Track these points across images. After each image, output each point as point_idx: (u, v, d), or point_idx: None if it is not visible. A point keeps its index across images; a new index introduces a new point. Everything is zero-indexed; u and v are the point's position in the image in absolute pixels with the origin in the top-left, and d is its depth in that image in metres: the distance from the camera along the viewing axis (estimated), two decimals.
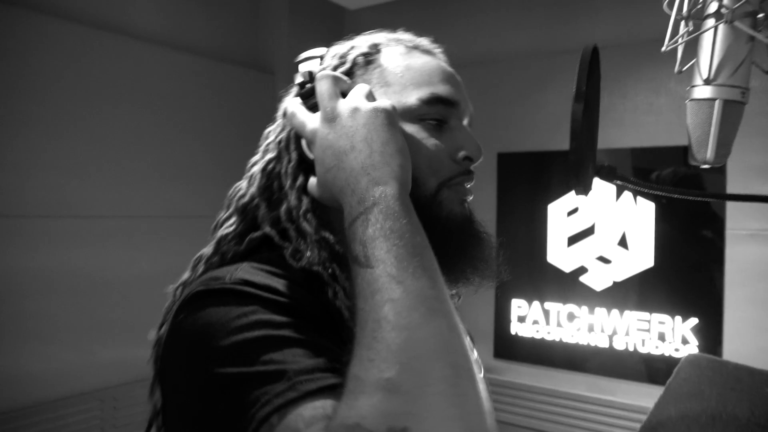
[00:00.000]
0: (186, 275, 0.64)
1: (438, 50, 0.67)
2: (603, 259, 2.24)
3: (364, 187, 0.49)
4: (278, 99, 0.66)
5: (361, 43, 0.64)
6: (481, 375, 0.44)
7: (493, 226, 2.45)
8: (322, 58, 0.61)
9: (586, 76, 0.59)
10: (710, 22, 0.62)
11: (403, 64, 0.61)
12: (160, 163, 2.16)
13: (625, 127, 2.20)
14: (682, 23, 0.66)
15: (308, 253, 0.56)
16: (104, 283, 1.95)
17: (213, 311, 0.49)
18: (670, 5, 0.65)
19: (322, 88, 0.56)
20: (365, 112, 0.53)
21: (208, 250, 0.63)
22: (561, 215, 2.33)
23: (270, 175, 0.62)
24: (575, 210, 2.29)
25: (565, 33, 2.34)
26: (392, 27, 0.68)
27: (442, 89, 0.61)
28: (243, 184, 0.65)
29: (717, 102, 0.61)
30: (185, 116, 2.25)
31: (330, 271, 0.55)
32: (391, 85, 0.60)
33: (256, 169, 0.63)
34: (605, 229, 2.24)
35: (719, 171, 2.02)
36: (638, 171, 2.23)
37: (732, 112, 0.61)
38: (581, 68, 0.59)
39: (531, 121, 2.37)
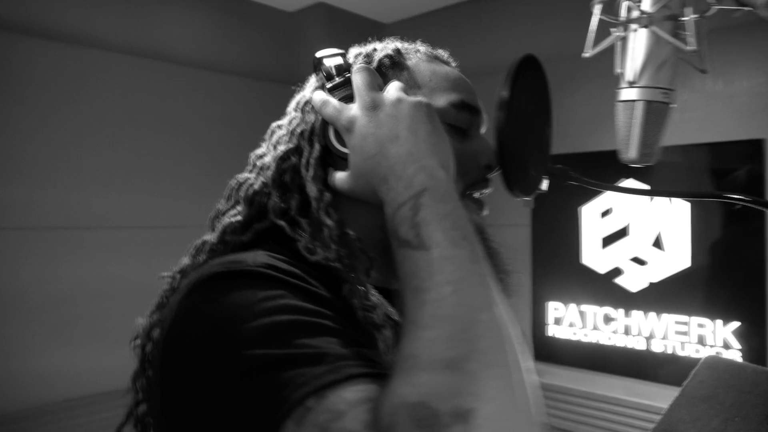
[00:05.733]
0: (186, 261, 0.61)
1: (453, 62, 0.67)
2: (638, 260, 2.19)
3: (412, 174, 0.48)
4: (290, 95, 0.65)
5: (382, 47, 0.64)
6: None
7: (527, 229, 2.45)
8: (343, 56, 0.60)
9: (510, 85, 0.61)
10: (633, 26, 0.65)
11: (430, 69, 0.62)
12: (208, 176, 2.32)
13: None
14: (619, 28, 0.69)
15: (325, 248, 0.53)
16: (148, 289, 2.14)
17: (237, 294, 0.46)
18: (597, 10, 0.69)
19: (361, 79, 0.55)
20: (409, 104, 0.53)
21: (211, 237, 0.60)
22: (595, 217, 2.30)
23: (285, 165, 0.59)
24: (609, 211, 2.26)
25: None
26: (429, 38, 0.69)
27: (468, 97, 0.61)
28: (250, 174, 0.62)
29: (638, 103, 0.64)
30: (228, 134, 2.40)
31: (348, 268, 0.53)
32: (420, 88, 0.60)
33: (269, 159, 0.60)
34: (640, 229, 2.19)
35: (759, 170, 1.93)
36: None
37: (655, 112, 0.64)
38: (505, 78, 0.62)
39: (562, 124, 2.34)
